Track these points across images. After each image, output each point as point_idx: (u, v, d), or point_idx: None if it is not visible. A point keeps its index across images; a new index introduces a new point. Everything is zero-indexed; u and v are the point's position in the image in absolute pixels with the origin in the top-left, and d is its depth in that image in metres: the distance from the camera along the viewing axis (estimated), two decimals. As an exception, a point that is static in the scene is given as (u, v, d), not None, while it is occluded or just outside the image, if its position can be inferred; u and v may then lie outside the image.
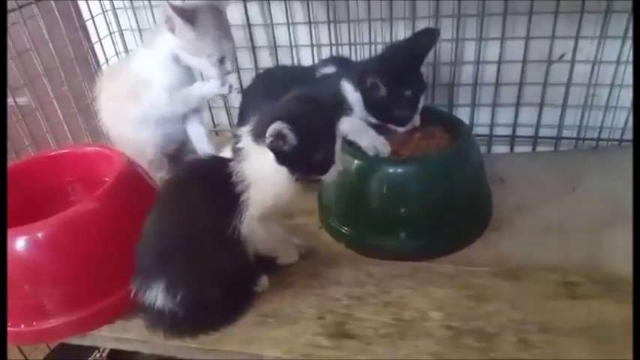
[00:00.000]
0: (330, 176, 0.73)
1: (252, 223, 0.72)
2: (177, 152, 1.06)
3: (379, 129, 0.90)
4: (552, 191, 0.96)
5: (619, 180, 0.94)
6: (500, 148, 1.19)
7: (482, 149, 1.14)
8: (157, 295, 0.70)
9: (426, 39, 0.92)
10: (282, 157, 0.69)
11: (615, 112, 1.08)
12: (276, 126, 0.65)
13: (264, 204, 0.72)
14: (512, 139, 1.16)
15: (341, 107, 0.91)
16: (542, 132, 1.14)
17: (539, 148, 1.15)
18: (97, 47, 1.25)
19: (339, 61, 1.00)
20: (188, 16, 0.88)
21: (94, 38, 1.25)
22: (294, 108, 0.70)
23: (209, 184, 0.73)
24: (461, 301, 0.73)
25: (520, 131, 1.15)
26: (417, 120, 0.91)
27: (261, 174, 0.70)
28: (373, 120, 0.91)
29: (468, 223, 0.88)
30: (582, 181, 0.97)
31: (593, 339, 0.65)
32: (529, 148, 1.16)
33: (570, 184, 0.97)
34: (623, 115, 1.08)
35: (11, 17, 0.98)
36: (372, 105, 0.90)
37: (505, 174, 1.01)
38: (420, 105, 0.90)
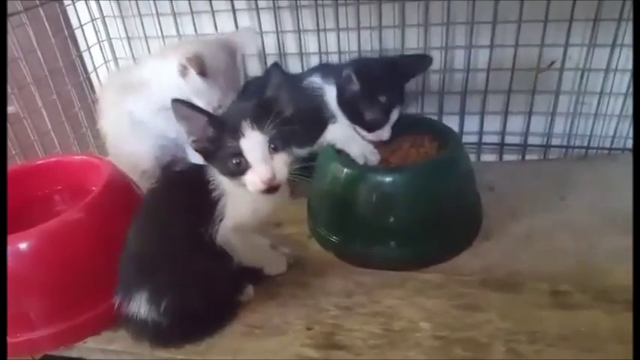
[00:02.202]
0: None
1: (227, 235, 0.71)
2: (171, 163, 1.05)
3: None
4: (542, 200, 0.96)
5: (608, 188, 0.95)
6: (489, 157, 1.19)
7: (472, 157, 1.15)
8: (140, 306, 0.70)
9: (418, 63, 0.95)
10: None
11: (604, 121, 1.09)
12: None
13: (240, 216, 0.71)
14: (502, 148, 1.16)
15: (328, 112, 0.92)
16: (532, 140, 1.14)
17: (528, 157, 1.16)
18: (86, 55, 1.24)
19: (324, 68, 1.00)
20: (202, 68, 0.88)
21: (82, 46, 1.24)
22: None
23: (187, 192, 0.72)
24: (450, 311, 0.73)
25: (509, 139, 1.16)
26: (386, 132, 0.91)
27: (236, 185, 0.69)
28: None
29: (458, 231, 0.88)
30: (571, 189, 0.97)
31: (583, 349, 0.65)
32: (518, 157, 1.16)
33: (559, 193, 0.97)
34: (612, 123, 1.09)
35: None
36: (344, 102, 0.90)
37: (494, 182, 1.01)
38: (393, 117, 0.90)
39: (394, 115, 0.91)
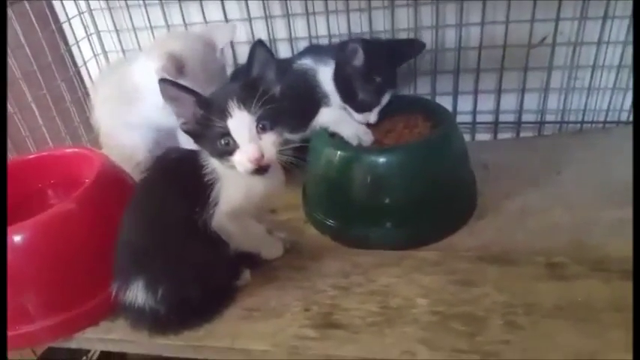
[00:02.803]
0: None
1: (222, 220, 0.71)
2: (164, 153, 1.04)
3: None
4: (537, 176, 0.95)
5: (604, 162, 0.95)
6: (483, 136, 1.18)
7: (466, 137, 1.14)
8: (137, 294, 0.70)
9: (411, 47, 0.94)
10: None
11: (598, 94, 1.08)
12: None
13: (234, 201, 0.71)
14: (496, 126, 1.16)
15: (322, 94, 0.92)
16: (526, 117, 1.14)
17: (522, 134, 1.15)
18: (75, 49, 1.23)
19: (315, 49, 0.99)
20: (178, 67, 0.86)
21: (70, 40, 1.23)
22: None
23: (180, 178, 0.72)
24: (447, 286, 0.73)
25: (503, 117, 1.15)
26: (373, 116, 0.91)
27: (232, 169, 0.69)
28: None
29: (453, 210, 0.88)
30: (567, 164, 0.97)
31: (580, 319, 0.65)
32: (513, 135, 1.16)
33: (555, 169, 0.97)
34: (606, 96, 1.08)
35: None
36: (340, 77, 0.90)
37: (489, 161, 1.01)
38: (384, 101, 0.90)
39: (385, 99, 0.90)
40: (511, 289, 0.70)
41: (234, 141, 0.65)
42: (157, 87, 0.66)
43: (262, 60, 0.68)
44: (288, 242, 0.86)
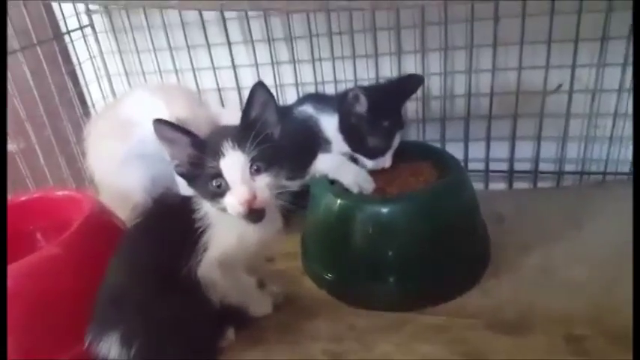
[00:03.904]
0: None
1: (210, 268, 0.67)
2: (161, 196, 1.02)
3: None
4: (556, 231, 0.89)
5: (628, 217, 0.87)
6: (498, 185, 1.12)
7: (478, 186, 1.09)
8: (110, 347, 0.65)
9: (410, 83, 0.91)
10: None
11: (621, 143, 1.02)
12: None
13: (225, 247, 0.67)
14: (511, 175, 1.10)
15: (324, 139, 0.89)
16: (543, 166, 1.08)
17: (540, 184, 1.09)
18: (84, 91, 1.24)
19: (315, 97, 0.97)
20: None
21: (80, 83, 1.24)
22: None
23: (169, 224, 0.69)
24: (451, 358, 0.66)
25: (519, 166, 1.09)
26: (388, 160, 0.87)
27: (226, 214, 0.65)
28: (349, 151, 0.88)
29: (463, 267, 0.81)
30: (588, 219, 0.90)
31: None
32: (530, 184, 1.10)
33: (575, 223, 0.90)
34: (629, 146, 1.02)
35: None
36: (347, 127, 0.87)
37: (504, 212, 0.95)
38: (395, 143, 0.87)
39: (396, 141, 0.87)
40: (524, 365, 0.63)
41: (226, 182, 0.62)
42: (151, 117, 0.64)
43: (262, 101, 0.66)
44: (281, 296, 0.81)
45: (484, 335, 0.69)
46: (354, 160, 0.87)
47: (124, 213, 0.86)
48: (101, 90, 1.27)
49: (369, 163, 0.87)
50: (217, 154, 0.62)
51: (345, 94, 0.87)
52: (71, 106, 1.17)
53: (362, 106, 0.84)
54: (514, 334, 0.68)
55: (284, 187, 0.67)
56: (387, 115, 0.85)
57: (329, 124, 0.89)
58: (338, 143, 0.89)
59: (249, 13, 1.10)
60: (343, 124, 0.87)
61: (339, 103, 0.89)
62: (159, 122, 0.63)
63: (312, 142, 0.89)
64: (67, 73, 1.17)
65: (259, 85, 0.65)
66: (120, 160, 0.95)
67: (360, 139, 0.86)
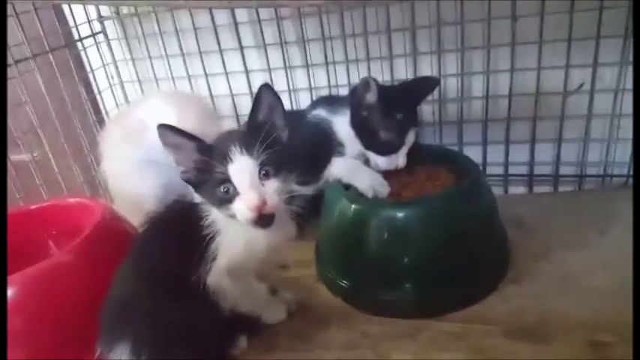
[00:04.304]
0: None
1: (219, 276, 0.65)
2: (174, 202, 1.01)
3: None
4: (577, 236, 0.86)
5: (654, 220, 0.84)
6: (517, 189, 1.09)
7: (498, 190, 1.07)
8: (121, 357, 0.63)
9: (425, 84, 0.90)
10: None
11: (645, 145, 0.98)
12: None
13: (234, 255, 0.65)
14: (531, 179, 1.07)
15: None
16: (564, 170, 1.05)
17: (561, 188, 1.06)
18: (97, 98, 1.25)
19: (328, 100, 0.95)
20: None
21: (95, 89, 1.25)
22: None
23: (176, 231, 0.68)
24: (469, 367, 0.63)
25: (539, 170, 1.06)
26: (401, 158, 0.84)
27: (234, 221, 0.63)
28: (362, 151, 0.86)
29: (481, 272, 0.78)
30: (611, 223, 0.87)
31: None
32: (550, 188, 1.06)
33: (597, 227, 0.87)
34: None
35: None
36: (358, 121, 0.85)
37: (524, 217, 0.92)
38: (409, 140, 0.84)
39: (410, 139, 0.84)
40: (546, 374, 0.60)
41: (235, 187, 0.61)
42: (165, 121, 0.63)
43: (268, 103, 0.64)
44: (294, 304, 0.79)
45: (503, 342, 0.66)
46: (367, 164, 0.85)
47: (137, 219, 0.85)
48: (114, 97, 1.28)
49: (381, 161, 0.84)
50: (225, 159, 0.61)
51: (356, 86, 0.85)
52: (84, 113, 1.18)
53: (372, 95, 0.82)
54: (534, 341, 0.66)
55: (294, 192, 0.66)
56: (399, 108, 0.83)
57: (341, 125, 0.87)
58: (351, 145, 0.87)
59: (261, 17, 1.09)
60: (354, 119, 0.85)
61: (350, 96, 0.87)
62: (163, 127, 0.62)
63: (326, 146, 0.87)
64: (79, 81, 1.17)
65: (266, 87, 0.63)
66: (132, 166, 0.94)
67: (371, 133, 0.84)
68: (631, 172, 0.99)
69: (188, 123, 0.87)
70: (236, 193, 0.61)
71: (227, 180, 0.61)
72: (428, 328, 0.71)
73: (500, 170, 1.07)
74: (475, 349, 0.66)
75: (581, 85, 0.97)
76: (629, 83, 0.95)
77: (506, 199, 1.02)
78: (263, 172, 0.61)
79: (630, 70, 0.93)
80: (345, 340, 0.71)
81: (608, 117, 0.98)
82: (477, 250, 0.78)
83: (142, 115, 0.94)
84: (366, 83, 0.82)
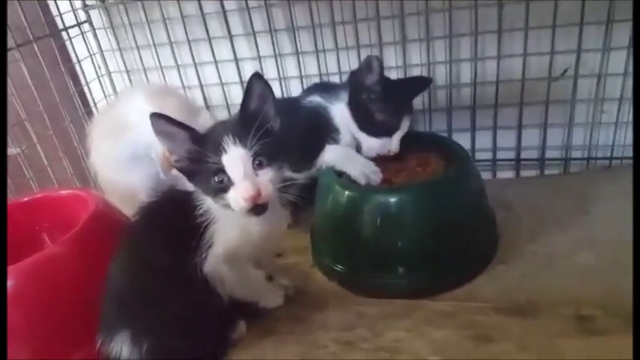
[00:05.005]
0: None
1: (216, 263, 0.66)
2: (166, 192, 1.01)
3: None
4: (563, 216, 0.88)
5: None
6: (505, 174, 1.11)
7: (486, 175, 1.09)
8: (121, 348, 0.64)
9: (419, 82, 0.93)
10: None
11: (627, 128, 1.01)
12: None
13: (230, 243, 0.66)
14: (518, 163, 1.09)
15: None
16: (550, 154, 1.07)
17: (547, 171, 1.08)
18: (85, 90, 1.24)
19: (323, 86, 0.96)
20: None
21: (82, 81, 1.24)
22: None
23: (170, 220, 0.68)
24: (462, 342, 0.65)
25: (526, 154, 1.08)
26: (395, 142, 0.86)
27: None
28: (359, 133, 0.87)
29: (471, 254, 0.81)
30: (595, 203, 0.90)
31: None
32: (537, 172, 1.09)
33: (582, 208, 0.89)
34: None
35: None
36: (356, 103, 0.86)
37: (512, 200, 0.95)
38: (403, 126, 0.86)
39: (404, 125, 0.86)
40: (535, 347, 0.63)
41: (229, 178, 0.61)
42: (143, 120, 0.63)
43: (260, 93, 0.64)
44: (291, 289, 0.80)
45: (494, 319, 0.69)
46: (361, 152, 0.87)
47: (129, 210, 0.86)
48: (102, 88, 1.27)
49: (375, 143, 0.86)
50: (218, 149, 0.61)
51: (356, 69, 0.87)
52: (72, 105, 1.17)
53: (374, 76, 0.83)
54: (523, 316, 0.68)
55: (288, 181, 0.66)
56: (397, 92, 0.85)
57: (338, 111, 0.88)
58: (346, 131, 0.88)
59: (250, 4, 1.08)
60: (352, 99, 0.87)
61: (351, 76, 0.88)
62: (156, 116, 0.62)
63: (320, 133, 0.88)
64: (66, 72, 1.16)
65: (256, 77, 0.63)
66: (120, 160, 0.95)
67: (368, 113, 0.85)
68: (614, 155, 1.02)
69: None
70: (230, 184, 0.61)
71: (221, 170, 0.61)
72: (421, 307, 0.73)
73: (488, 155, 1.09)
74: (467, 326, 0.68)
75: (566, 71, 1.00)
76: (612, 68, 0.97)
77: (494, 183, 1.04)
78: (257, 162, 0.62)
79: (613, 55, 0.96)
80: (342, 321, 0.73)
81: (591, 102, 1.01)
82: (467, 233, 0.80)
83: (125, 110, 0.94)
84: (368, 63, 0.83)
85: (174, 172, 0.76)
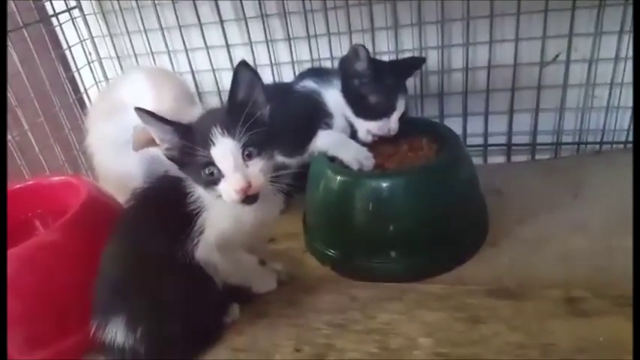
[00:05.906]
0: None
1: (208, 250, 0.66)
2: (159, 178, 1.01)
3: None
4: (553, 201, 0.89)
5: (625, 184, 0.87)
6: (497, 159, 1.12)
7: (478, 160, 1.09)
8: (116, 332, 0.65)
9: (412, 62, 0.92)
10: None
11: (618, 113, 1.02)
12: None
13: (221, 230, 0.66)
14: (509, 148, 1.10)
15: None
16: (541, 139, 1.08)
17: (538, 156, 1.09)
18: (76, 76, 1.22)
19: (316, 71, 0.96)
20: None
21: (72, 67, 1.23)
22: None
23: (162, 207, 0.68)
24: (453, 324, 0.66)
25: (517, 139, 1.09)
26: (393, 122, 0.85)
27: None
28: (356, 119, 0.87)
29: (463, 239, 0.81)
30: (585, 187, 0.91)
31: (603, 362, 0.57)
32: (528, 157, 1.10)
33: (572, 192, 0.90)
34: (626, 115, 1.01)
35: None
36: (349, 89, 0.86)
37: (502, 185, 0.95)
38: (399, 105, 0.85)
39: (400, 104, 0.85)
40: (525, 328, 0.63)
41: (219, 170, 0.61)
42: (142, 98, 0.62)
43: (247, 82, 0.63)
44: (285, 274, 0.80)
45: (485, 301, 0.69)
46: (354, 138, 0.87)
47: (123, 196, 0.86)
48: (93, 74, 1.25)
49: (373, 126, 0.85)
50: (207, 142, 0.60)
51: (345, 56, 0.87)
52: (63, 91, 1.16)
53: (362, 63, 0.83)
54: (514, 298, 0.69)
55: (280, 171, 0.66)
56: (388, 74, 0.85)
57: (331, 96, 0.88)
58: (339, 116, 0.88)
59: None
60: (345, 86, 0.86)
61: (340, 64, 0.88)
62: (140, 110, 0.61)
63: (313, 118, 0.88)
64: (56, 58, 1.14)
65: (243, 65, 0.62)
66: (116, 142, 0.94)
67: (362, 98, 0.85)
68: (604, 139, 1.03)
69: (165, 103, 0.87)
70: (221, 176, 0.61)
71: (211, 163, 0.60)
72: (413, 290, 0.74)
73: (480, 140, 1.10)
74: (458, 308, 0.69)
75: (557, 56, 1.00)
76: (603, 53, 0.97)
77: (485, 168, 1.05)
78: (246, 152, 0.61)
79: (604, 40, 0.96)
80: (335, 304, 0.73)
81: (582, 87, 1.01)
82: (458, 218, 0.80)
83: (122, 92, 0.93)
84: (355, 51, 0.83)
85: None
